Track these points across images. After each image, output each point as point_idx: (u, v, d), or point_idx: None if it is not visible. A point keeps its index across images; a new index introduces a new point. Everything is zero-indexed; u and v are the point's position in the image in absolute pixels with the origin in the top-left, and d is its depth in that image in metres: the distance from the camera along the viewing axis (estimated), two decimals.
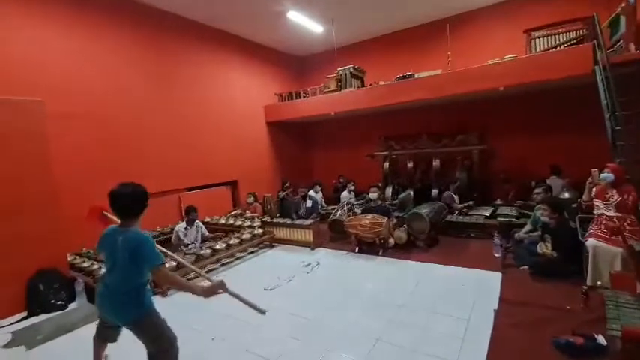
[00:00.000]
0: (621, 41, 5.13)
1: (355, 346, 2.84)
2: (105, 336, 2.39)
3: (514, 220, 5.40)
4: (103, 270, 2.72)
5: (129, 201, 2.09)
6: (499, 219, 5.52)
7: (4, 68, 4.48)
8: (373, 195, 5.63)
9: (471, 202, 6.41)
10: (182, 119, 6.81)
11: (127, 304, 2.05)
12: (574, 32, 5.75)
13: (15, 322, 3.62)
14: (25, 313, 3.77)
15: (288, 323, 3.29)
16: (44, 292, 3.87)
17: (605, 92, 4.54)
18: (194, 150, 6.99)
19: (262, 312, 2.24)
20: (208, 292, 2.08)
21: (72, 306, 3.99)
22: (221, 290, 2.13)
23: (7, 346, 3.19)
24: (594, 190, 3.72)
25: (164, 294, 4.11)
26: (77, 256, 4.71)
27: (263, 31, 8.08)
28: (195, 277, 4.14)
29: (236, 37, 8.12)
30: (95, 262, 4.41)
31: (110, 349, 2.56)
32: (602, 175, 3.60)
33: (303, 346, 2.90)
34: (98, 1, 5.51)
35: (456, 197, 6.42)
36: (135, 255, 1.98)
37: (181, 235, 5.19)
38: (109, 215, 2.49)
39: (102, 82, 5.53)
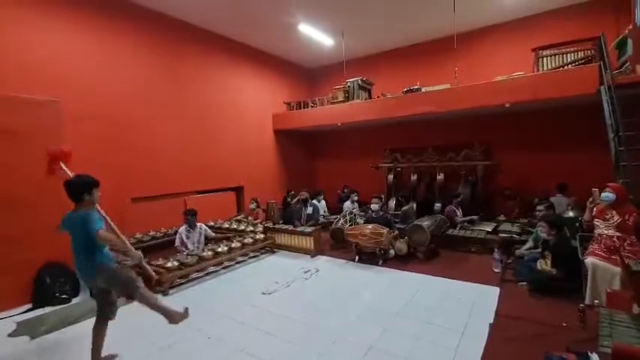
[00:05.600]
0: (628, 63, 5.17)
1: (348, 352, 2.86)
2: (104, 312, 2.76)
3: (516, 236, 5.38)
4: None
5: (71, 189, 2.60)
6: (501, 235, 5.50)
7: (25, 68, 4.70)
8: (375, 206, 5.68)
9: (475, 217, 6.39)
10: (193, 124, 7.01)
11: (88, 263, 2.60)
12: (582, 52, 5.81)
13: (20, 313, 3.75)
14: (30, 305, 3.91)
15: (283, 327, 3.34)
16: (50, 285, 4.02)
17: (610, 113, 4.57)
18: (203, 154, 7.17)
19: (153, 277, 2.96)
20: (136, 256, 2.70)
21: (75, 300, 4.12)
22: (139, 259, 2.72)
23: (11, 335, 3.30)
24: (595, 209, 3.71)
25: (165, 293, 4.19)
26: None
27: (275, 42, 8.32)
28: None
29: (248, 46, 8.37)
30: None
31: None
32: (603, 194, 3.60)
33: (297, 349, 2.94)
34: (118, 8, 5.78)
35: (458, 211, 6.42)
36: (84, 226, 2.50)
37: (184, 237, 5.30)
38: (65, 168, 2.92)
39: (118, 86, 5.76)
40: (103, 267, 2.61)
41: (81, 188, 2.59)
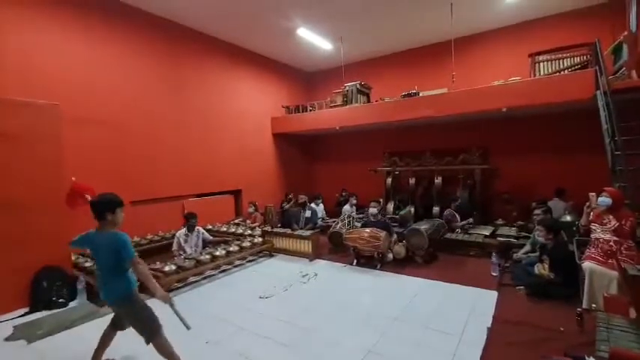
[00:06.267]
0: (624, 68, 5.22)
1: (346, 356, 2.85)
2: (119, 324, 2.70)
3: (513, 240, 5.39)
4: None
5: (94, 207, 2.50)
6: (499, 238, 5.52)
7: (24, 71, 4.72)
8: (373, 210, 5.68)
9: (470, 220, 6.40)
10: (192, 127, 7.03)
11: (113, 287, 2.50)
12: (578, 57, 5.86)
13: (17, 317, 3.74)
14: (27, 309, 3.89)
15: (281, 330, 3.33)
16: (47, 289, 4.00)
17: (606, 117, 4.60)
18: (201, 157, 7.18)
19: (188, 327, 2.50)
20: (165, 298, 2.46)
21: (72, 304, 4.10)
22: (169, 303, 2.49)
23: (8, 339, 3.28)
24: (592, 214, 3.73)
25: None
26: (81, 256, 4.82)
27: (273, 46, 8.37)
28: None
29: (247, 50, 8.41)
30: None
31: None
32: (599, 199, 3.61)
33: (294, 353, 2.93)
34: (117, 13, 5.80)
35: (457, 215, 6.43)
36: (115, 247, 2.40)
37: (182, 241, 5.29)
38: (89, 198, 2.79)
39: (117, 89, 5.77)
40: (128, 298, 2.50)
41: (103, 207, 2.48)
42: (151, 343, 2.45)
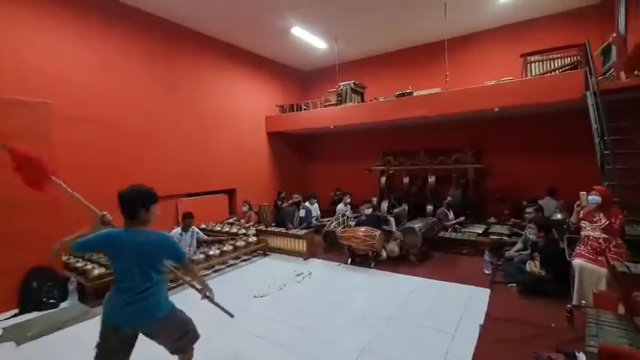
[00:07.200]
0: (612, 69, 5.32)
1: (340, 355, 2.87)
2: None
3: (506, 238, 5.46)
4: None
5: (125, 201, 2.01)
6: (491, 237, 5.58)
7: (22, 71, 4.68)
8: (368, 211, 5.71)
9: (462, 219, 6.46)
10: (186, 126, 6.98)
11: (149, 302, 2.08)
12: (569, 58, 5.94)
13: (6, 319, 3.67)
14: (16, 310, 3.82)
15: (275, 330, 3.33)
16: (37, 290, 3.94)
17: (596, 117, 4.68)
18: (195, 156, 7.13)
19: (231, 315, 2.56)
20: (210, 291, 2.48)
21: (63, 305, 4.04)
22: (208, 293, 2.50)
23: None
24: (582, 212, 3.79)
25: None
26: (72, 257, 4.75)
27: (268, 45, 8.34)
28: None
29: (241, 49, 8.36)
30: (89, 263, 4.46)
31: None
32: (589, 197, 3.68)
33: (289, 352, 2.94)
34: (112, 12, 5.74)
35: (450, 214, 6.49)
36: (161, 250, 2.11)
37: (176, 240, 5.24)
38: (59, 182, 2.56)
39: (112, 88, 5.72)
40: (172, 311, 2.18)
41: (136, 202, 1.99)
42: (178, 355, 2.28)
